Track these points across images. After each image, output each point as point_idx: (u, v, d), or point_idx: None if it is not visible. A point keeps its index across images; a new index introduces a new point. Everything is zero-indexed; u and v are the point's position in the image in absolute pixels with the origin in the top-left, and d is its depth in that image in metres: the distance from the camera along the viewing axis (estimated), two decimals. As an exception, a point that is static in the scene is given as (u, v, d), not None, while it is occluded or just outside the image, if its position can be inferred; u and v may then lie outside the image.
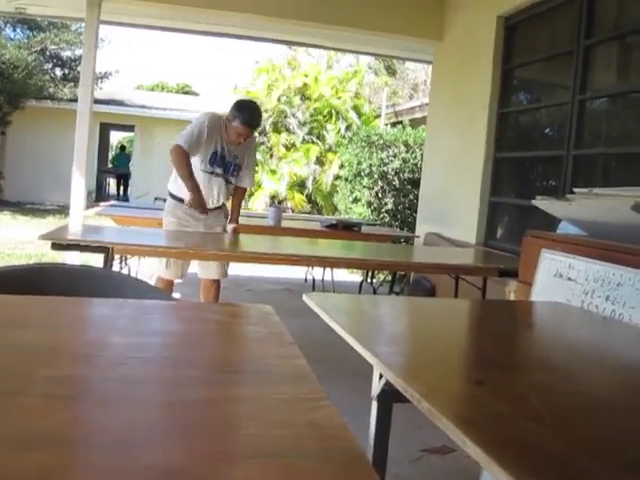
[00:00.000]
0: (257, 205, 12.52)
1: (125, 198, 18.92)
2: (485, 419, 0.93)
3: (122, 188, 20.89)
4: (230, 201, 4.30)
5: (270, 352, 1.10)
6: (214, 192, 4.04)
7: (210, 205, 4.03)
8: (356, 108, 13.50)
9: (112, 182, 22.17)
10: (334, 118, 13.14)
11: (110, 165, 21.55)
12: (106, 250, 2.90)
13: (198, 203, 3.90)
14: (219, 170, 4.02)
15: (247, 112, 4.00)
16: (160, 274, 4.06)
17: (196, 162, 3.93)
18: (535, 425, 0.91)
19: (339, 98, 13.37)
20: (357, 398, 2.07)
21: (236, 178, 4.14)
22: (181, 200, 3.99)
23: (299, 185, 12.84)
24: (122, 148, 22.10)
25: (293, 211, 11.90)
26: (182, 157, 3.80)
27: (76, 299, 1.33)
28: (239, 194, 4.33)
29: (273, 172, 12.93)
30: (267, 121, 13.25)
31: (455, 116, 5.84)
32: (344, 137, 12.52)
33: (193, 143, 3.83)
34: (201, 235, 3.95)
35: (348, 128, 12.90)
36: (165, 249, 3.30)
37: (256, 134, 4.15)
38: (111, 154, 23.55)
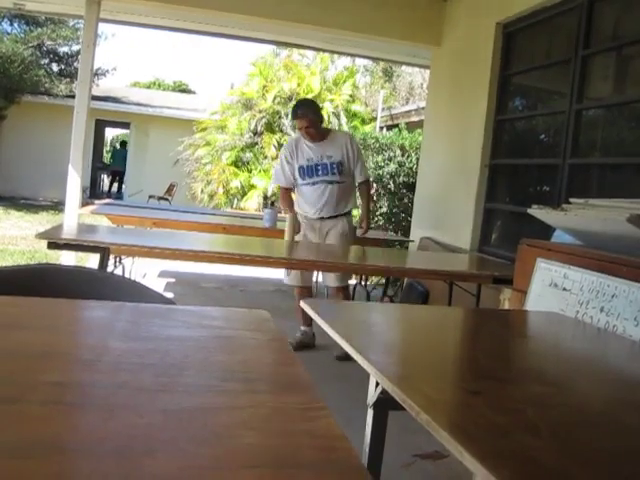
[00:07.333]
0: (249, 205, 12.50)
1: (119, 196, 18.71)
2: (482, 431, 0.93)
3: (117, 185, 20.57)
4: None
5: (269, 359, 1.10)
6: (323, 199, 4.30)
7: (324, 214, 4.33)
8: (348, 112, 13.43)
9: (107, 179, 21.48)
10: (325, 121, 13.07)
11: (110, 161, 20.91)
12: (102, 250, 2.90)
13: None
14: (315, 178, 4.29)
15: (292, 109, 4.47)
16: (285, 281, 4.55)
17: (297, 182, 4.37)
18: (532, 438, 0.91)
19: (331, 101, 13.31)
20: (350, 402, 2.07)
21: (342, 175, 4.31)
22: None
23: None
24: (122, 144, 20.43)
25: None
26: (280, 192, 4.52)
27: (75, 301, 1.33)
28: (362, 192, 4.56)
29: (266, 172, 12.89)
30: (261, 121, 13.24)
31: (452, 121, 5.85)
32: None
33: (282, 176, 4.39)
34: (305, 245, 4.25)
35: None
36: (161, 250, 3.29)
37: (300, 132, 4.39)
38: (106, 151, 23.00)
